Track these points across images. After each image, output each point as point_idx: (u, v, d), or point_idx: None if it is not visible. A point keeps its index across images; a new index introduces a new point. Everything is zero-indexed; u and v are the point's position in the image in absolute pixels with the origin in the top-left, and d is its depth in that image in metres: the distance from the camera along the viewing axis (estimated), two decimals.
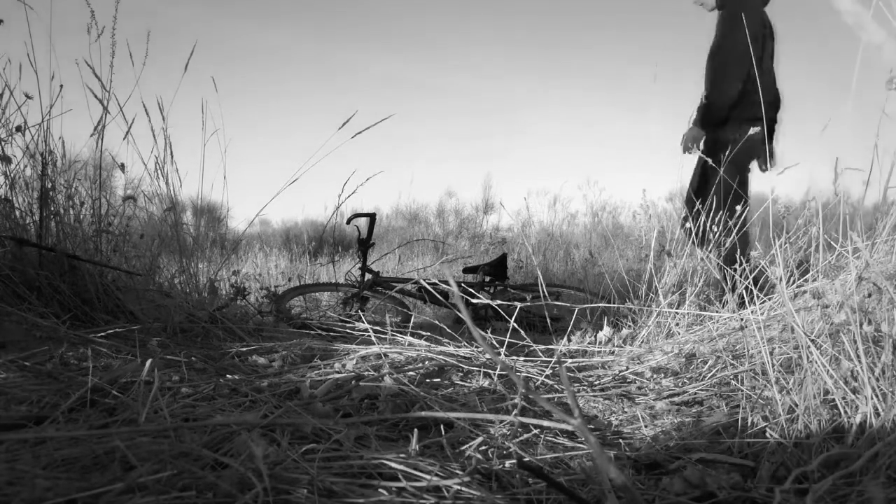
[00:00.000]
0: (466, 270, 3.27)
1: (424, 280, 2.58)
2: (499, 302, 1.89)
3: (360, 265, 3.07)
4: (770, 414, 1.12)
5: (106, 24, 2.02)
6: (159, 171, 2.19)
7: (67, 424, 0.99)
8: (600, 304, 1.98)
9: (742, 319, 1.51)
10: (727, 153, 2.56)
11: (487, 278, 3.14)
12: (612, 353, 1.75)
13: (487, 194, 10.59)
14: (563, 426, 1.09)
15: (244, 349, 1.70)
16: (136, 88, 2.09)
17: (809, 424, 1.03)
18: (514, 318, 1.70)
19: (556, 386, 1.44)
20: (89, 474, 0.77)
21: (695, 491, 0.83)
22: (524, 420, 1.08)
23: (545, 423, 1.09)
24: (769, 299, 1.56)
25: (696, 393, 1.37)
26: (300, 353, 1.65)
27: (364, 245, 3.09)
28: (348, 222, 3.12)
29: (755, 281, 1.72)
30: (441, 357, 1.55)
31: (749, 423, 1.10)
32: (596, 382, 1.51)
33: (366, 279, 3.03)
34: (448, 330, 1.82)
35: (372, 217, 3.12)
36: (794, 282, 1.52)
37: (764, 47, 2.62)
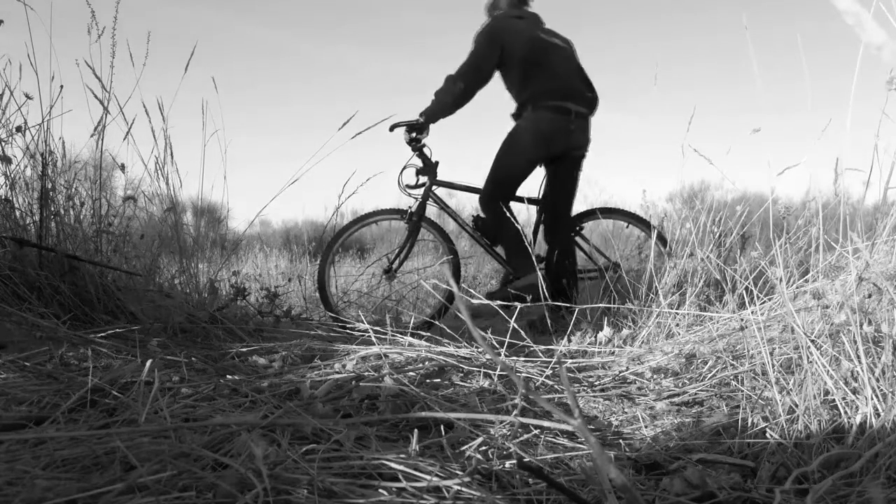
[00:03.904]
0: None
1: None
2: (499, 302, 1.89)
3: (415, 149, 2.83)
4: (770, 414, 1.12)
5: (106, 24, 2.02)
6: (159, 172, 2.19)
7: (67, 425, 0.99)
8: (600, 305, 1.98)
9: (742, 320, 1.51)
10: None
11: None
12: (613, 353, 1.75)
13: None
14: (564, 426, 1.09)
15: (244, 349, 1.70)
16: (137, 89, 2.09)
17: (809, 425, 1.03)
18: (515, 315, 1.70)
19: (556, 386, 1.44)
20: (89, 474, 0.77)
21: (695, 491, 0.83)
22: (524, 420, 1.08)
23: (545, 423, 1.09)
24: (769, 300, 1.56)
25: (696, 393, 1.37)
26: (300, 353, 1.65)
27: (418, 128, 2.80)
28: (392, 129, 2.83)
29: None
30: (441, 357, 1.55)
31: (749, 424, 1.10)
32: (596, 383, 1.51)
33: (426, 176, 2.87)
34: (448, 330, 1.82)
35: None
36: (794, 282, 1.52)
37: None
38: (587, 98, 2.78)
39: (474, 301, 1.89)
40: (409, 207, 2.95)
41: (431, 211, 3.13)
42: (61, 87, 1.98)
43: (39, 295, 1.83)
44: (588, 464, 0.95)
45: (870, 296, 1.15)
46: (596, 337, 1.85)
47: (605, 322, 1.98)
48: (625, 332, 1.90)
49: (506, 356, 1.62)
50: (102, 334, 1.67)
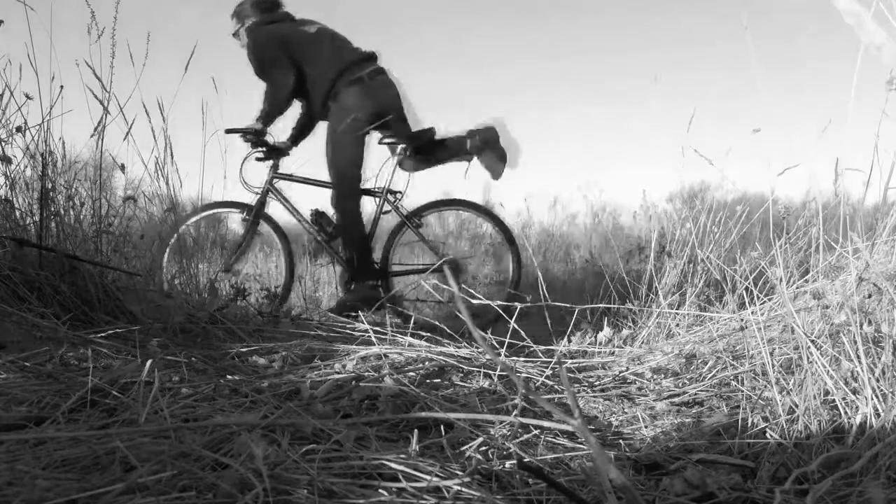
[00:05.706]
0: None
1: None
2: (499, 302, 1.89)
3: (256, 146, 2.84)
4: (770, 414, 1.12)
5: (106, 24, 2.02)
6: (159, 172, 2.19)
7: (67, 425, 0.99)
8: (601, 305, 1.98)
9: (742, 320, 1.51)
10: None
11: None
12: (613, 353, 1.75)
13: (487, 195, 10.54)
14: (564, 427, 1.09)
15: (244, 350, 1.70)
16: (137, 89, 2.09)
17: (810, 425, 1.03)
18: (514, 318, 1.70)
19: (556, 386, 1.44)
20: (89, 475, 0.77)
21: (695, 491, 0.83)
22: (524, 421, 1.08)
23: (545, 423, 1.09)
24: (769, 300, 1.56)
25: (696, 393, 1.37)
26: (300, 353, 1.65)
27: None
28: (227, 132, 2.75)
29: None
30: (441, 358, 1.55)
31: (749, 424, 1.10)
32: (596, 383, 1.51)
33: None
34: (448, 330, 1.82)
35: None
36: (794, 282, 1.52)
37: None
38: (369, 54, 2.85)
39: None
40: (250, 202, 2.93)
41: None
42: (61, 87, 1.98)
43: (39, 295, 1.83)
44: (588, 464, 0.95)
45: (870, 296, 1.15)
46: (596, 337, 1.85)
47: (605, 322, 1.98)
48: (625, 332, 1.90)
49: (506, 356, 1.62)
50: (102, 334, 1.67)
